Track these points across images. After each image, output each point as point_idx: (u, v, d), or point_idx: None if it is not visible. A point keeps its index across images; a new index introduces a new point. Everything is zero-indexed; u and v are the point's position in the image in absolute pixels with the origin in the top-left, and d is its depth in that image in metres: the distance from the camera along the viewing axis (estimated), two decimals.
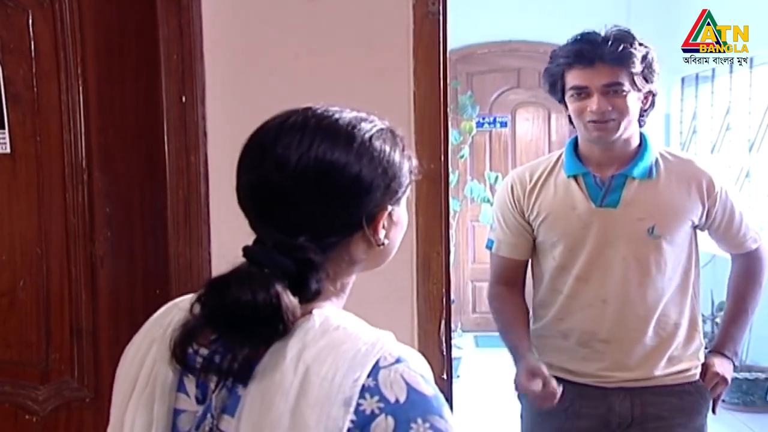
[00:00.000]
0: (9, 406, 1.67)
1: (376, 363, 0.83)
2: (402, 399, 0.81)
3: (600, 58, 1.89)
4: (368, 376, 0.82)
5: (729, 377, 2.06)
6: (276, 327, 0.84)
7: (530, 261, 2.12)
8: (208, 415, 0.87)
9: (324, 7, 1.48)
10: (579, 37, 1.94)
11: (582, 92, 1.92)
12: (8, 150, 1.62)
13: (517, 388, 2.03)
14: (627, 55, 1.89)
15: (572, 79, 1.93)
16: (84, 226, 1.62)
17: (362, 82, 1.50)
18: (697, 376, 2.04)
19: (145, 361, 0.93)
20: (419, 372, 0.84)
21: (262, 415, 0.82)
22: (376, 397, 0.81)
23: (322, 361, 0.82)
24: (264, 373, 0.83)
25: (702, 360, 2.06)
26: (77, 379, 1.66)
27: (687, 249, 2.01)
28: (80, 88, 1.59)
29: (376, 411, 0.80)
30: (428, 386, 0.84)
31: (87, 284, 1.63)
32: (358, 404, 0.80)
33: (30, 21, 1.58)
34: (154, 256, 1.62)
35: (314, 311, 0.87)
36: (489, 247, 2.16)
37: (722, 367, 2.06)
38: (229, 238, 1.49)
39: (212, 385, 0.87)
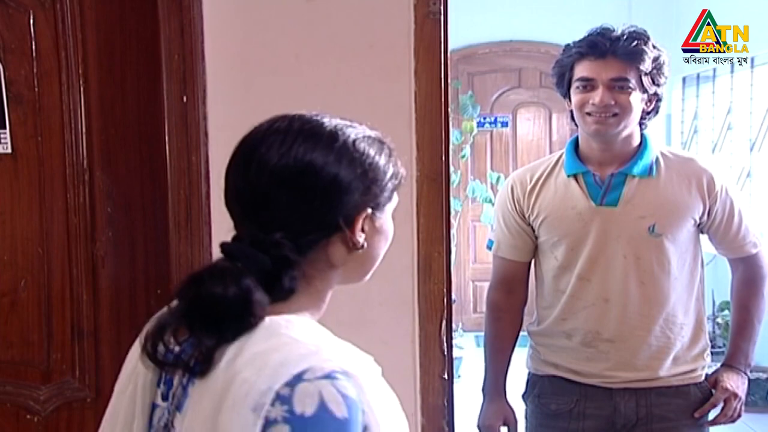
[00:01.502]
0: (10, 406, 1.67)
1: (301, 373, 0.80)
2: (308, 413, 0.79)
3: (612, 52, 1.90)
4: (286, 384, 0.79)
5: (742, 392, 2.04)
6: (245, 322, 0.84)
7: (533, 262, 2.12)
8: (167, 411, 0.88)
9: (325, 7, 1.48)
10: (594, 31, 1.94)
11: (588, 84, 1.92)
12: (10, 150, 1.62)
13: (478, 423, 2.07)
14: (639, 52, 1.90)
15: (580, 70, 1.94)
16: (85, 226, 1.62)
17: (363, 82, 1.50)
18: (703, 377, 2.03)
19: (133, 357, 0.95)
20: (344, 392, 0.80)
21: (194, 414, 0.83)
22: (285, 407, 0.79)
23: (250, 365, 0.82)
24: (209, 373, 0.83)
25: (708, 361, 2.05)
26: (78, 379, 1.66)
27: (692, 249, 2.00)
28: (81, 88, 1.59)
29: (279, 418, 0.78)
30: (344, 408, 0.80)
31: (88, 284, 1.63)
32: (267, 410, 0.78)
33: (31, 21, 1.58)
34: (155, 256, 1.62)
35: (269, 317, 0.86)
36: (489, 247, 2.16)
37: (732, 381, 2.04)
38: (229, 238, 1.49)
39: (176, 381, 0.88)
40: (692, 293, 2.01)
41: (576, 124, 2.02)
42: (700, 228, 2.01)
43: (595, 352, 1.99)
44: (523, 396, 2.14)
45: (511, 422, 2.08)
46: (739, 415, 2.05)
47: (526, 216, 2.04)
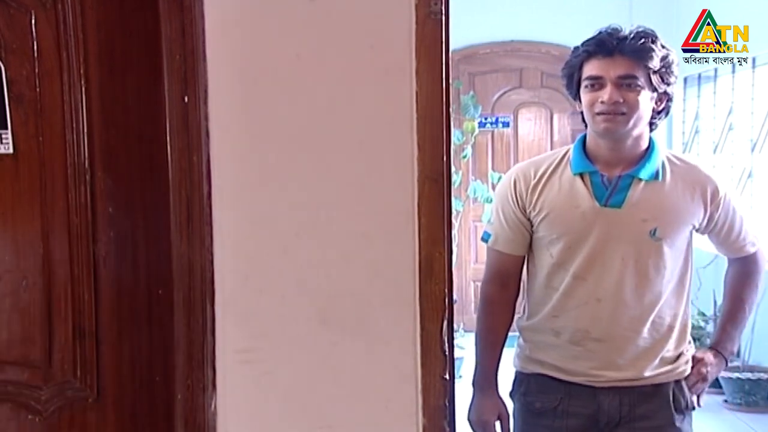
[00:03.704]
0: (12, 406, 1.67)
1: None
2: None
3: (619, 50, 1.91)
4: None
5: (713, 376, 2.10)
6: None
7: (527, 259, 2.13)
8: None
9: (326, 7, 1.48)
10: (602, 30, 1.96)
11: (596, 83, 1.93)
12: (11, 150, 1.62)
13: (471, 417, 2.09)
14: (646, 50, 1.91)
15: (589, 69, 1.95)
16: (87, 226, 1.62)
17: (364, 82, 1.50)
18: (686, 373, 2.06)
19: None
20: None
21: None
22: None
23: None
24: None
25: (688, 358, 2.08)
26: (80, 379, 1.67)
27: (685, 252, 2.03)
28: (83, 88, 1.59)
29: None
30: None
31: (89, 284, 1.63)
32: None
33: (33, 21, 1.58)
34: (156, 256, 1.62)
35: None
36: (485, 239, 2.16)
37: (710, 366, 2.09)
38: (231, 238, 1.49)
39: None
40: (681, 296, 2.04)
41: (586, 125, 2.03)
42: (697, 231, 2.04)
43: (582, 351, 2.01)
44: (510, 394, 2.16)
45: (504, 417, 2.10)
46: (699, 395, 2.11)
47: (527, 211, 2.05)
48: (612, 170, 1.98)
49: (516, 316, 2.17)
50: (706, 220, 1.99)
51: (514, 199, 2.05)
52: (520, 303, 2.17)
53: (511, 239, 2.07)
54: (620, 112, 1.90)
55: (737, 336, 2.14)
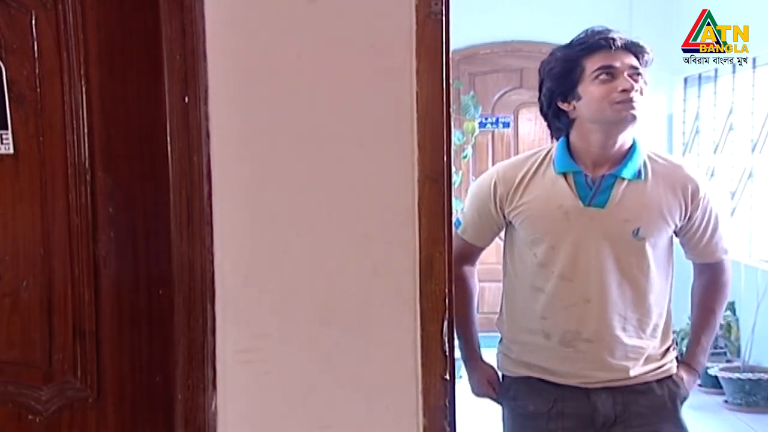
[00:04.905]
0: (12, 406, 1.67)
1: None
2: None
3: (623, 45, 1.93)
4: None
5: (689, 391, 2.15)
6: None
7: (505, 257, 2.15)
8: None
9: (326, 7, 1.48)
10: (594, 29, 1.98)
11: (610, 73, 1.94)
12: (11, 150, 1.62)
13: (475, 392, 2.12)
14: (642, 45, 1.95)
15: (598, 61, 1.96)
16: (87, 226, 1.62)
17: (365, 83, 1.50)
18: (673, 370, 2.08)
19: None
20: None
21: None
22: None
23: None
24: None
25: (674, 355, 2.10)
26: (80, 379, 1.67)
27: (667, 253, 2.05)
28: (83, 88, 1.59)
29: None
30: None
31: (90, 284, 1.63)
32: None
33: (33, 21, 1.58)
34: (156, 256, 1.62)
35: None
36: (455, 225, 2.20)
37: (689, 380, 2.13)
38: (231, 238, 1.49)
39: None
40: (665, 295, 2.06)
41: (557, 123, 2.02)
42: (676, 231, 2.06)
43: (573, 352, 2.02)
44: (497, 398, 2.17)
45: (494, 381, 2.14)
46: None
47: (506, 212, 2.07)
48: (596, 170, 2.00)
49: (495, 318, 2.20)
50: (685, 220, 2.02)
51: (493, 200, 2.07)
52: (498, 304, 2.23)
53: (478, 233, 2.16)
54: (637, 100, 1.93)
55: (709, 348, 2.18)
